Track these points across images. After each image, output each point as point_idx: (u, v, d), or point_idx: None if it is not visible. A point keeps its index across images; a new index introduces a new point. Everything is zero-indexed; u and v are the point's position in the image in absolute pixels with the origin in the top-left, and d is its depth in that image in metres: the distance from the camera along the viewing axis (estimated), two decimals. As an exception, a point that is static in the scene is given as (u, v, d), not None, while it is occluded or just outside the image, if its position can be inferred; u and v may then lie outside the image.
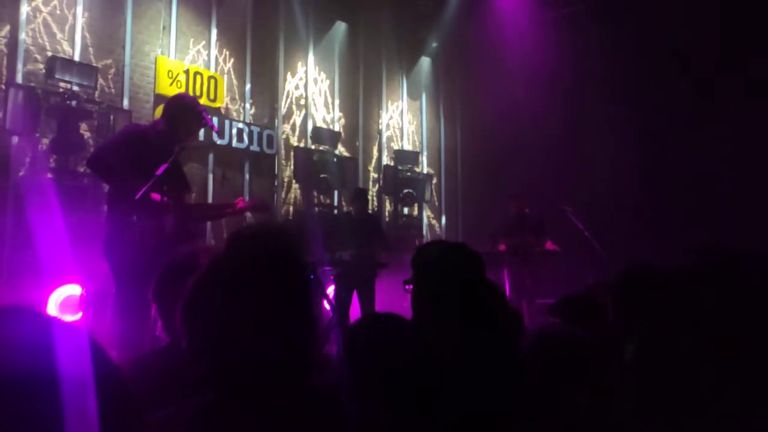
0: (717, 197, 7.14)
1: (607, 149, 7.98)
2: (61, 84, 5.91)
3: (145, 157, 3.36)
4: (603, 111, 8.25)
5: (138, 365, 1.90)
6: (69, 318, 5.13)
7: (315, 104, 8.85)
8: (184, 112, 3.64)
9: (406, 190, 9.36)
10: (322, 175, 8.28)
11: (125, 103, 6.60)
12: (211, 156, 7.40)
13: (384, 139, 9.75)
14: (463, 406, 1.55)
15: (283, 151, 8.29)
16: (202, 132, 6.67)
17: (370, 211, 7.78)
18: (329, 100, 9.06)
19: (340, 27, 9.06)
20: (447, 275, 1.90)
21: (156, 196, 3.25)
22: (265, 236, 1.17)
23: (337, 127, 9.02)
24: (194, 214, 4.14)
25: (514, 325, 2.12)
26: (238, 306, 1.08)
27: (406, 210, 9.74)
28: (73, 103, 5.89)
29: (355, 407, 1.36)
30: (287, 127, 8.46)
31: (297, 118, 8.61)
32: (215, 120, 6.99)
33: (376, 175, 9.56)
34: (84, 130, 6.07)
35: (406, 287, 2.02)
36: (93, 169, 3.82)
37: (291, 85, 8.56)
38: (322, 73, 8.98)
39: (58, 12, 6.21)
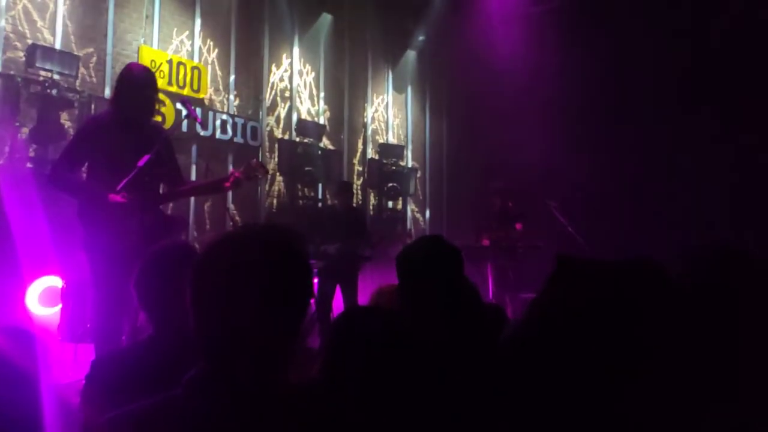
0: (701, 194, 7.23)
1: (592, 144, 8.04)
2: (42, 72, 5.81)
3: (102, 146, 3.20)
4: (589, 106, 8.30)
5: (121, 356, 1.88)
6: (48, 310, 5.07)
7: (300, 96, 8.80)
8: (126, 82, 3.33)
9: (390, 184, 9.36)
10: (306, 168, 8.25)
11: (107, 92, 6.50)
12: (194, 147, 7.33)
13: (369, 133, 9.73)
14: (444, 400, 1.55)
15: (267, 144, 8.23)
16: (185, 123, 6.61)
17: (354, 205, 7.78)
18: (314, 92, 9.02)
19: (326, 19, 9.01)
20: (424, 271, 1.93)
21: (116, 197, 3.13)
22: (275, 233, 1.17)
23: (322, 120, 8.98)
24: (180, 197, 4.03)
25: (498, 321, 2.14)
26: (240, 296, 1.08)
27: (390, 204, 9.74)
28: (54, 91, 5.79)
29: (336, 400, 1.35)
30: (272, 119, 8.41)
31: (282, 110, 8.55)
32: (199, 111, 6.94)
33: (360, 169, 9.54)
34: (65, 119, 5.99)
35: None
36: (54, 189, 3.32)
37: (276, 76, 8.50)
38: (307, 65, 8.93)
39: (38, -1, 6.10)
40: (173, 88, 6.95)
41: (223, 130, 7.55)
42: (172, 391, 1.08)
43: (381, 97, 10.05)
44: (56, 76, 5.87)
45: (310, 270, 1.17)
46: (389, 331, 1.46)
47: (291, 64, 8.70)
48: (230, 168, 7.68)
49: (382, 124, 10.03)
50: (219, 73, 7.75)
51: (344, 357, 1.42)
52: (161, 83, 6.83)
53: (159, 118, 5.98)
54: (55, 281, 5.07)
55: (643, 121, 8.06)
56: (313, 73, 9.01)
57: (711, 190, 7.14)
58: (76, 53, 6.23)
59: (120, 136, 3.23)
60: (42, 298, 5.13)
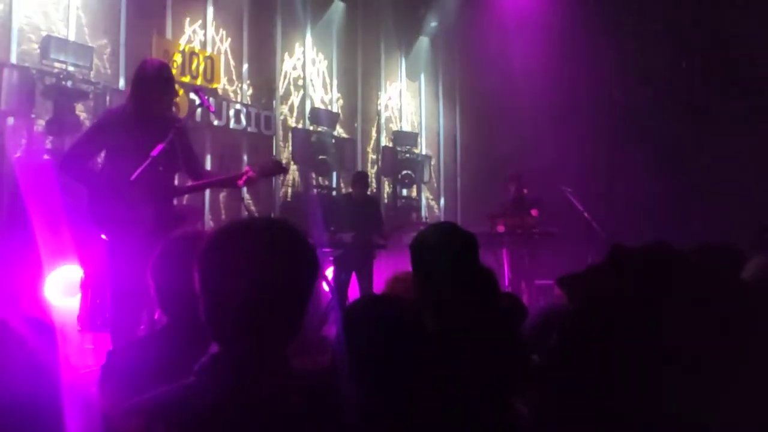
0: (717, 180, 7.13)
1: (607, 130, 7.95)
2: (56, 64, 5.84)
3: (117, 137, 3.21)
4: (604, 92, 8.20)
5: (135, 347, 1.89)
6: (68, 300, 5.13)
7: (313, 85, 8.78)
8: (141, 78, 3.37)
9: (404, 172, 9.33)
10: (320, 157, 8.24)
11: (121, 83, 6.54)
12: (208, 138, 7.35)
13: (383, 120, 9.70)
14: (457, 388, 1.54)
15: (281, 133, 8.24)
16: (199, 113, 6.63)
17: (369, 194, 7.77)
18: (327, 80, 8.99)
19: (338, 6, 8.95)
20: (438, 257, 1.91)
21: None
22: (279, 221, 1.20)
23: (335, 108, 8.96)
24: (193, 191, 4.05)
25: (513, 308, 2.12)
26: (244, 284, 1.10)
27: (404, 191, 9.72)
28: (69, 83, 5.83)
29: (351, 388, 1.35)
30: (285, 108, 8.40)
31: (295, 98, 8.54)
32: (212, 101, 6.94)
33: (374, 157, 9.52)
34: (80, 110, 6.01)
35: None
36: (66, 175, 3.38)
37: (289, 65, 8.48)
38: (320, 53, 8.90)
39: (52, -9, 6.12)
40: (186, 79, 6.96)
41: (237, 120, 7.56)
42: (185, 380, 1.10)
43: (394, 84, 10.00)
44: (71, 68, 5.90)
45: (313, 257, 1.18)
46: (399, 319, 1.45)
47: (304, 52, 8.67)
48: (244, 158, 7.71)
49: (396, 112, 9.99)
50: (232, 62, 7.75)
51: (355, 344, 1.42)
52: (174, 74, 6.84)
53: (174, 109, 6.00)
54: (74, 271, 5.12)
55: (665, 104, 7.93)
56: (326, 61, 8.98)
57: (724, 178, 7.04)
58: (89, 45, 6.26)
59: (135, 128, 3.23)
60: (62, 288, 5.19)
